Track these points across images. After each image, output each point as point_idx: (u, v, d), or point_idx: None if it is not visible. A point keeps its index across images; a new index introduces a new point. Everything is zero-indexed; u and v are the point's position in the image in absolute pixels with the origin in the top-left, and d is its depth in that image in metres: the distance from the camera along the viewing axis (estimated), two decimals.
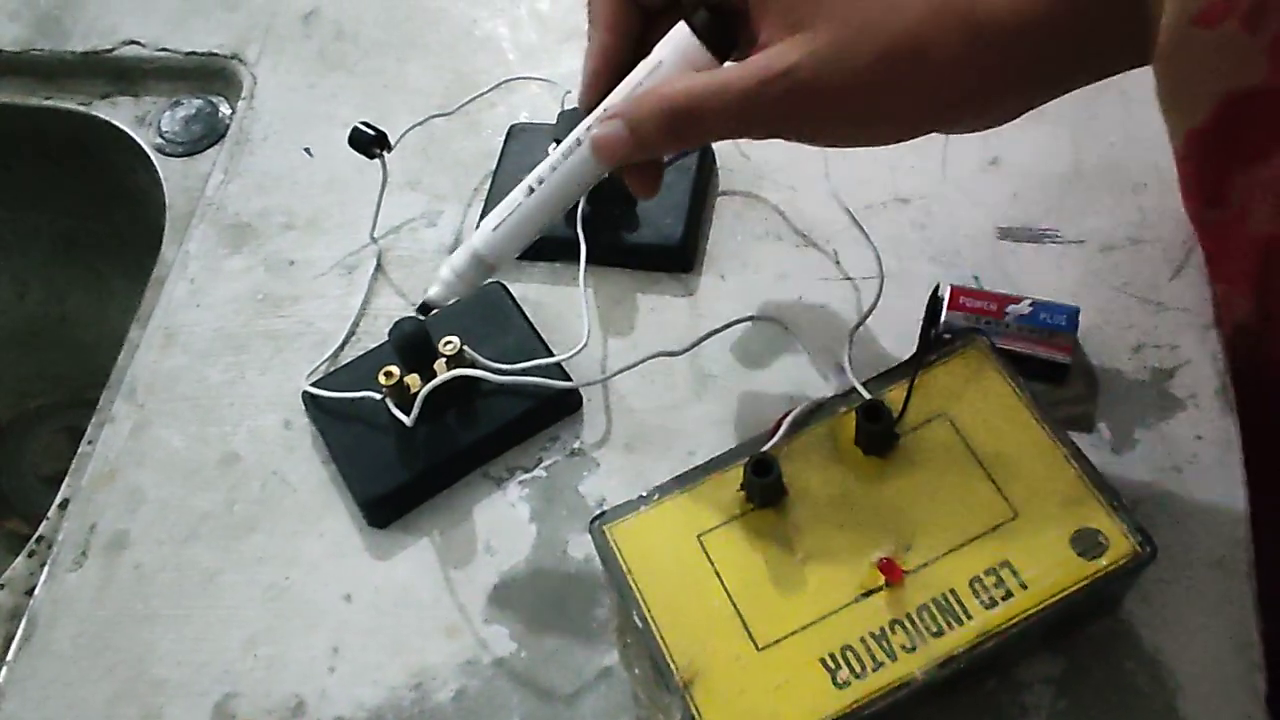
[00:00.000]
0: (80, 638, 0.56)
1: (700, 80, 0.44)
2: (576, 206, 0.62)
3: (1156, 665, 0.50)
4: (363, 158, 0.64)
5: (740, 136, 0.46)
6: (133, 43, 0.79)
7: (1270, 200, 0.54)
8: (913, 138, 0.46)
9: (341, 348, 0.63)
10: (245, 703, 0.53)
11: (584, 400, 0.60)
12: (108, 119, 0.78)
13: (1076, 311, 0.57)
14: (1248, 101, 0.46)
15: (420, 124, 0.68)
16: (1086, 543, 0.47)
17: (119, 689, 0.54)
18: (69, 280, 0.92)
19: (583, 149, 0.47)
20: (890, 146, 0.46)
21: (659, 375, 0.60)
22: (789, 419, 0.50)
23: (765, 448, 0.49)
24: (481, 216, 0.65)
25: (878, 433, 0.49)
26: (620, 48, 0.48)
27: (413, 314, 0.54)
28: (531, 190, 0.48)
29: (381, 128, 0.63)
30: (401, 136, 0.66)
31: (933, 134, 0.47)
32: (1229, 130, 0.50)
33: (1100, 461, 0.55)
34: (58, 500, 0.61)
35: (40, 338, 0.92)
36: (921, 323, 0.58)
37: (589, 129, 0.47)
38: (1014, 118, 0.46)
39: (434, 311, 0.52)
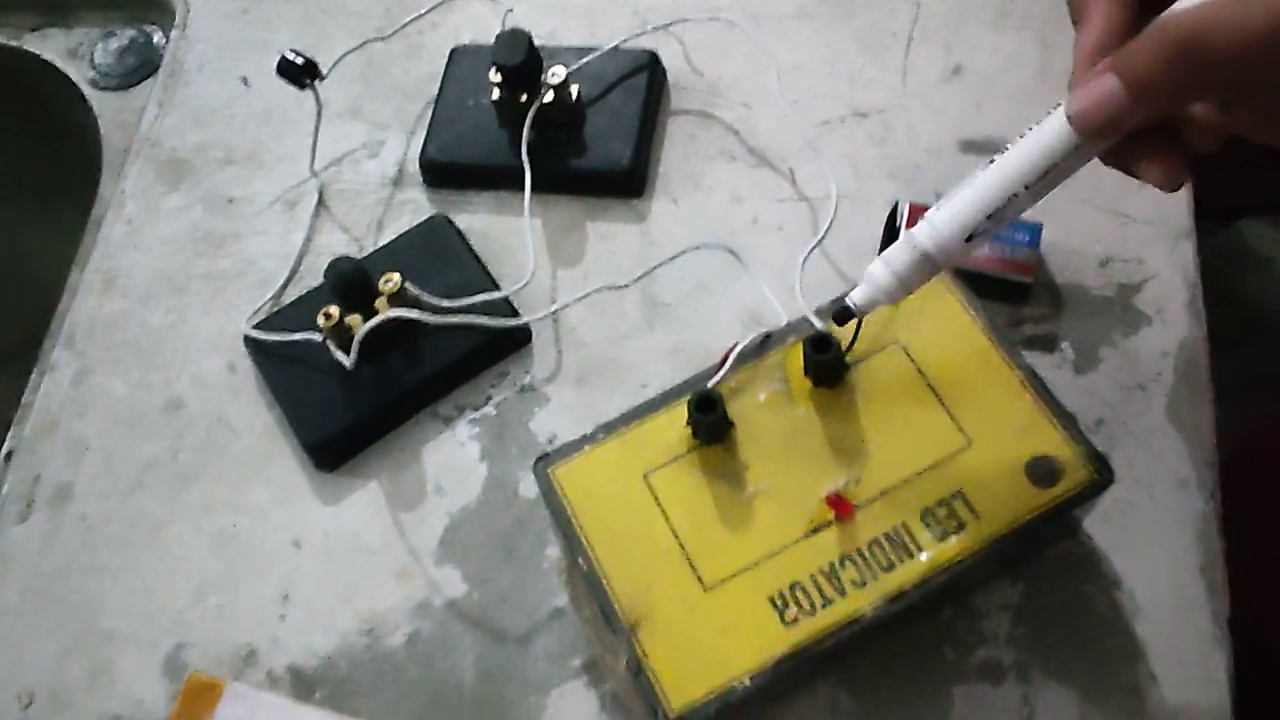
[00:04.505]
0: (28, 592, 0.55)
1: (1203, 9, 0.33)
2: (521, 133, 0.60)
3: (1116, 588, 0.49)
4: None
5: (1248, 82, 0.35)
6: None
7: None
8: None
9: (284, 287, 0.61)
10: (196, 652, 0.53)
11: (533, 334, 0.58)
12: (39, 53, 0.74)
13: (1039, 229, 0.55)
14: None
15: (357, 49, 0.65)
16: (1041, 470, 0.45)
17: (69, 642, 0.54)
18: (17, 216, 0.89)
19: (1054, 118, 0.37)
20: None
21: (609, 306, 0.58)
22: (735, 351, 0.48)
23: (711, 382, 0.48)
24: (424, 145, 0.63)
25: (826, 364, 0.47)
26: (1126, 20, 0.37)
27: (348, 255, 0.52)
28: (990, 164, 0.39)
29: (312, 55, 0.60)
30: (335, 64, 0.63)
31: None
32: None
33: (1063, 381, 0.53)
34: (2, 452, 0.59)
35: None
36: (879, 245, 0.57)
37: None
38: None
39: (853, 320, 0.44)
